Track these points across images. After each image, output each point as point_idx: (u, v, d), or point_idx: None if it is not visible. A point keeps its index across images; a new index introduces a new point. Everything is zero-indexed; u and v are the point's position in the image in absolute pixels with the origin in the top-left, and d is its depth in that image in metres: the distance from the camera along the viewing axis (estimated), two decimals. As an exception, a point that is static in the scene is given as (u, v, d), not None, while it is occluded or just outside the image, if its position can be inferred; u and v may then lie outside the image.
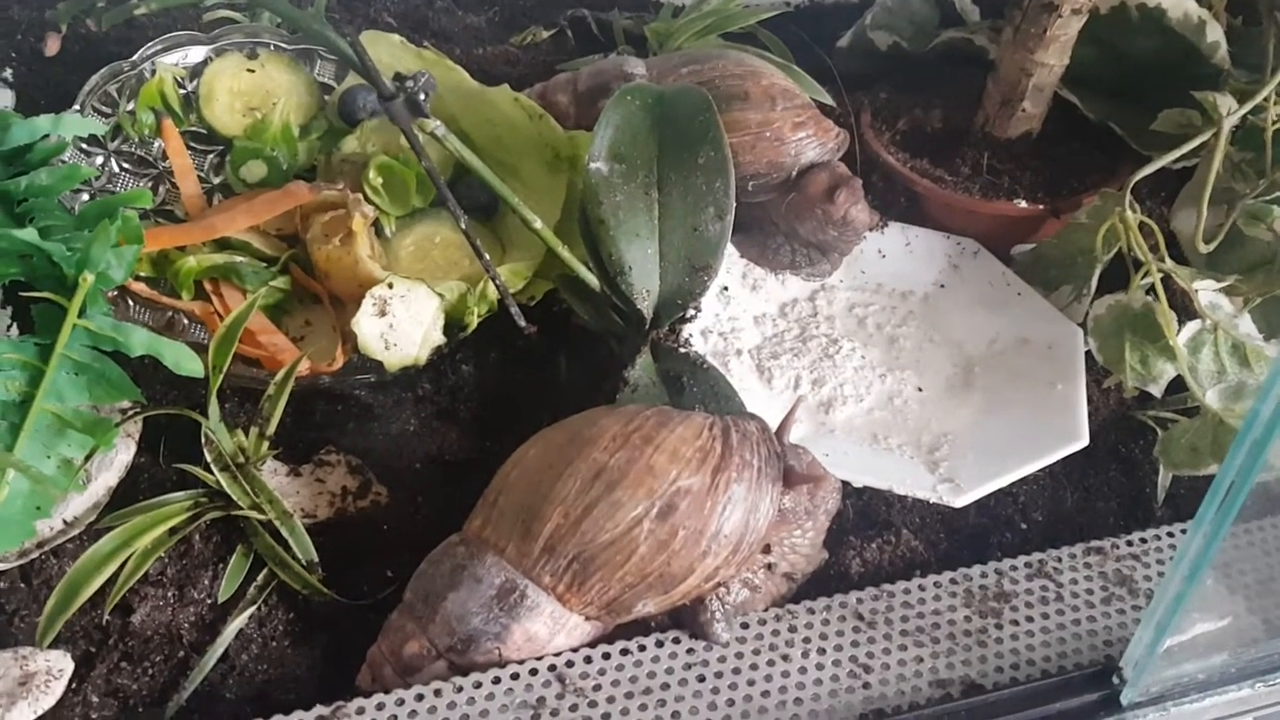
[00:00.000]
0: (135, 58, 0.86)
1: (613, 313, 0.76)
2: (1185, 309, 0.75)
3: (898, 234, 0.89)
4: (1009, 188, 0.89)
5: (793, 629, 0.62)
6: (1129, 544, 0.68)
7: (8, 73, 0.95)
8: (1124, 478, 0.77)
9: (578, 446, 0.60)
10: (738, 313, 0.82)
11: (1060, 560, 0.66)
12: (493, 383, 0.79)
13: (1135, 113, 0.88)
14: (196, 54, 0.88)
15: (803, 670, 0.60)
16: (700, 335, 0.78)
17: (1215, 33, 0.86)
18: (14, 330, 0.73)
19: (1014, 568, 0.66)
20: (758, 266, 0.86)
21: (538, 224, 0.71)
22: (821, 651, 0.61)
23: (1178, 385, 0.75)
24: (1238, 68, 0.87)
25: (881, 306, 0.86)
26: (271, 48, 0.90)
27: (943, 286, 0.87)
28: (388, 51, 0.85)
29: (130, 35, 0.98)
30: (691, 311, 0.76)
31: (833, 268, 0.87)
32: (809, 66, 0.95)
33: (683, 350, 0.75)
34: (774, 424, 0.64)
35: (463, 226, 0.70)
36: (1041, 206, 0.88)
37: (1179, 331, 0.73)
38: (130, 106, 0.85)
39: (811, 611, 0.63)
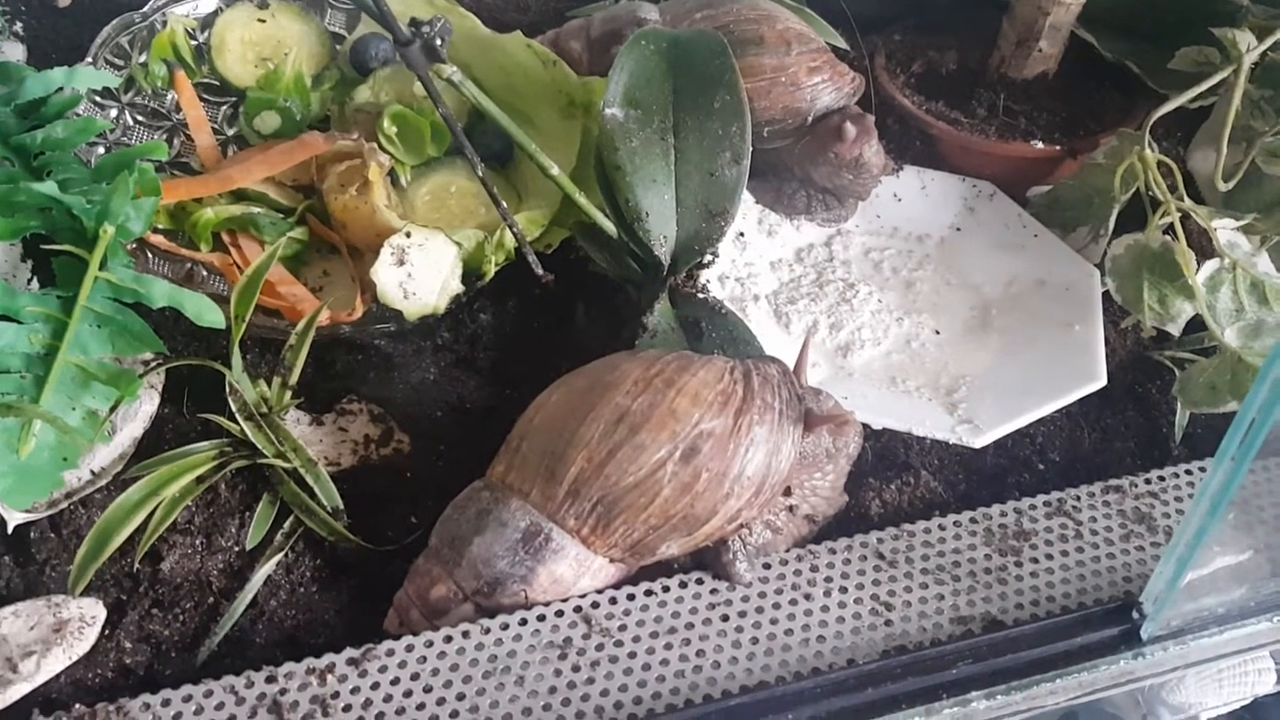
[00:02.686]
0: (146, 9, 0.86)
1: (630, 259, 0.76)
2: (1202, 248, 0.75)
3: (913, 177, 0.89)
4: (1024, 129, 0.89)
5: (814, 569, 0.62)
6: (1147, 482, 0.68)
7: (19, 26, 0.94)
8: (1141, 417, 0.77)
9: (600, 391, 0.60)
10: (754, 258, 0.82)
11: (1079, 499, 0.67)
12: (511, 331, 0.79)
13: (1152, 51, 0.87)
14: (207, 4, 0.88)
15: (825, 609, 0.61)
16: (717, 281, 0.78)
17: (1234, -32, 0.85)
18: (33, 284, 0.74)
19: (1033, 507, 0.66)
20: (773, 212, 0.86)
21: (555, 171, 0.71)
22: (843, 590, 0.61)
23: (1194, 325, 0.75)
24: (1256, 3, 0.86)
25: (897, 250, 0.86)
26: (281, -4, 0.89)
27: (959, 229, 0.87)
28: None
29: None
30: (709, 257, 0.76)
31: (848, 213, 0.86)
32: (821, 9, 0.94)
33: (700, 296, 0.75)
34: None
35: (480, 174, 0.69)
36: (1058, 147, 0.87)
37: (1197, 270, 0.73)
38: (142, 58, 0.85)
39: (833, 552, 0.63)
